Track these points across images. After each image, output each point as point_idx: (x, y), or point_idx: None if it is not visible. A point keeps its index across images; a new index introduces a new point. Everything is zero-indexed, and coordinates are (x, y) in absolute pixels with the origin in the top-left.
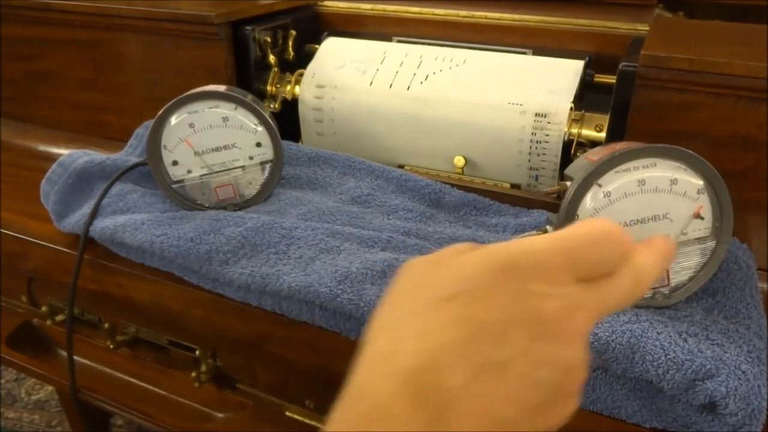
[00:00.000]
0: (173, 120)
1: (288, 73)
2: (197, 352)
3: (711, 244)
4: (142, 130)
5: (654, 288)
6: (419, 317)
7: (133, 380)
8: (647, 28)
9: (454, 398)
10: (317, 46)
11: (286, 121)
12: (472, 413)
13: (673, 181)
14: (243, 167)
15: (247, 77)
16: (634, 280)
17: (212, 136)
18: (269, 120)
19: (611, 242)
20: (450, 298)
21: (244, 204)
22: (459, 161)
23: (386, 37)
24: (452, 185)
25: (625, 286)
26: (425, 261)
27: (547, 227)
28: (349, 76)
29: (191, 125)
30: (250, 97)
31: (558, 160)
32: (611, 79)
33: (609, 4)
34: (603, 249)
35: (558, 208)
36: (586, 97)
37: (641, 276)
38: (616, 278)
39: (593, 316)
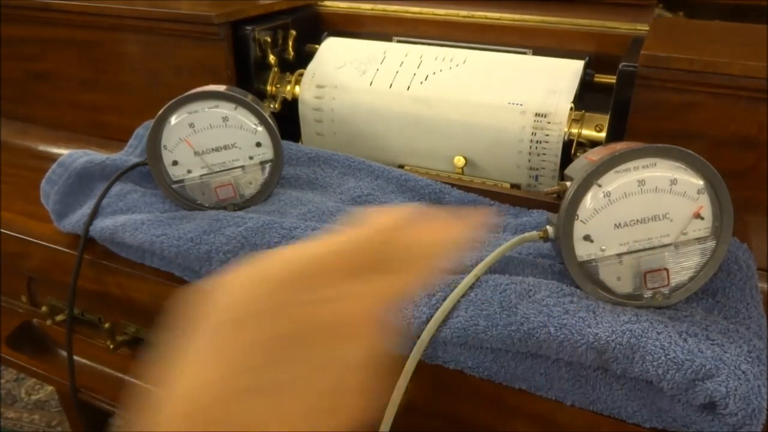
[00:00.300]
0: (173, 120)
1: (288, 73)
2: None
3: (711, 244)
4: (142, 130)
5: (654, 288)
6: (198, 349)
7: (133, 380)
8: (647, 28)
9: (233, 428)
10: (317, 46)
11: (286, 121)
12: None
13: (673, 181)
14: (243, 167)
15: (247, 77)
16: (423, 259)
17: (212, 136)
18: (269, 120)
19: (387, 230)
20: (225, 325)
21: (244, 204)
22: (459, 161)
23: (386, 37)
24: (452, 185)
25: (414, 267)
26: (205, 289)
27: (547, 227)
28: (349, 76)
29: (191, 125)
30: (250, 97)
31: (558, 160)
32: (611, 79)
33: (609, 4)
34: (380, 238)
35: (558, 208)
36: (586, 97)
37: (430, 254)
38: (402, 261)
39: (383, 302)
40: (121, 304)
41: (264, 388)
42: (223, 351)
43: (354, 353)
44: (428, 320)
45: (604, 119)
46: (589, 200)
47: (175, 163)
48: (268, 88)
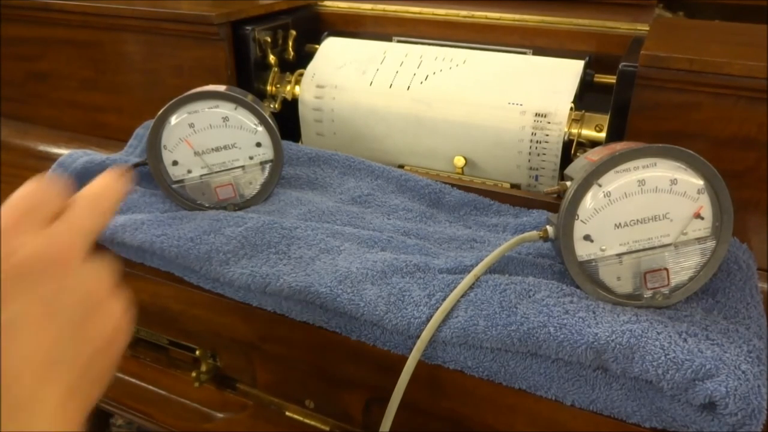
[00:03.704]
0: (173, 120)
1: (288, 73)
2: (197, 352)
3: (711, 244)
4: (142, 130)
5: (654, 288)
6: None
7: (133, 380)
8: (647, 28)
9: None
10: (317, 46)
11: (286, 121)
12: (24, 362)
13: (673, 181)
14: (243, 167)
15: (247, 77)
16: (91, 198)
17: (212, 136)
18: (269, 120)
19: (42, 190)
20: None
21: (244, 204)
22: (459, 161)
23: (386, 37)
24: (452, 185)
25: (86, 203)
26: None
27: (547, 227)
28: (349, 76)
29: (191, 125)
30: (250, 97)
31: (558, 160)
32: (611, 79)
33: (609, 4)
34: (41, 195)
35: (558, 208)
36: (586, 97)
37: (95, 194)
38: (76, 204)
39: (75, 235)
40: None
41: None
42: None
43: (77, 276)
44: (428, 320)
45: (604, 119)
46: (589, 200)
47: (175, 163)
48: (268, 88)
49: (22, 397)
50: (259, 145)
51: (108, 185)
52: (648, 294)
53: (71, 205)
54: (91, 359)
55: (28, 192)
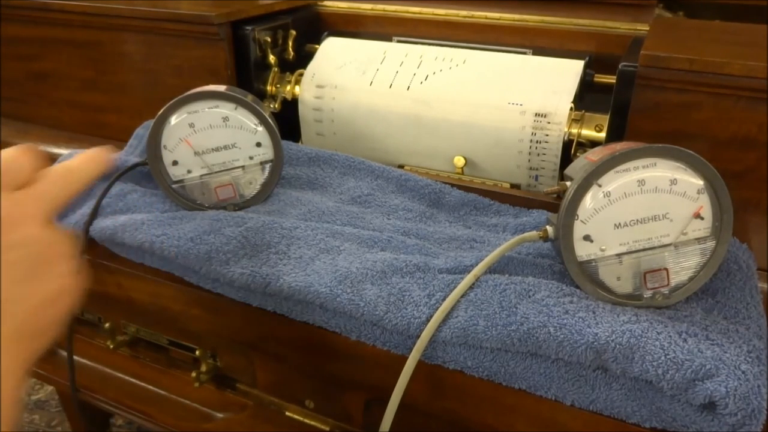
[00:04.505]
0: (173, 120)
1: (288, 73)
2: (197, 352)
3: (711, 244)
4: (142, 130)
5: (654, 288)
6: None
7: (133, 380)
8: (647, 28)
9: None
10: (317, 46)
11: (286, 121)
12: None
13: (673, 181)
14: (243, 167)
15: (247, 77)
16: (62, 171)
17: (212, 136)
18: (269, 120)
19: (18, 157)
20: None
21: (244, 204)
22: (459, 161)
23: (386, 37)
24: (452, 185)
25: (55, 175)
26: None
27: (547, 227)
28: (349, 76)
29: (191, 125)
30: (250, 97)
31: (558, 160)
32: (611, 79)
33: (609, 4)
34: (15, 161)
35: (558, 208)
36: (586, 97)
37: (66, 168)
38: (46, 175)
39: (38, 202)
40: (121, 304)
41: None
42: None
43: (32, 233)
44: (428, 320)
45: (604, 119)
46: (589, 200)
47: (175, 163)
48: (268, 88)
49: None
50: (259, 145)
51: (81, 163)
52: (648, 294)
53: (43, 175)
54: (35, 310)
55: (2, 159)
